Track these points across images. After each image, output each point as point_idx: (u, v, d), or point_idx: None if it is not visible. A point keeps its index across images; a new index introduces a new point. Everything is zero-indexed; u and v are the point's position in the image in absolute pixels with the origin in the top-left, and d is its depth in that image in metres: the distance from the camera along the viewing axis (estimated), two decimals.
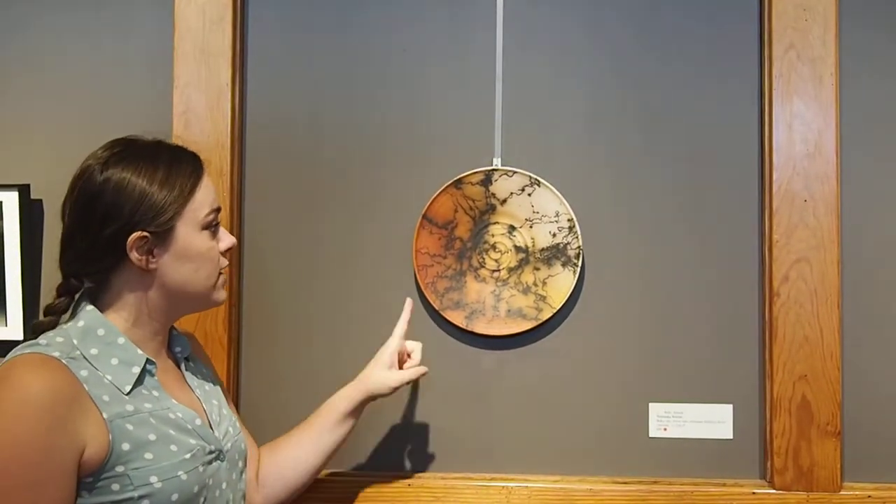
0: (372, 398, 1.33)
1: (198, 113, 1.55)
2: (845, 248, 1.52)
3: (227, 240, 1.15)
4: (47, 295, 1.58)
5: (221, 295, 1.15)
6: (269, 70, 1.60)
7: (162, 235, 1.05)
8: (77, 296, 1.09)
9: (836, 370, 1.49)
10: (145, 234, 1.04)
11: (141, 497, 0.96)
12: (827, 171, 1.51)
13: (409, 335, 1.57)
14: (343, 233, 1.59)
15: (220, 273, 1.14)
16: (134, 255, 1.05)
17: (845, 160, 1.53)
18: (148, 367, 1.06)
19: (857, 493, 1.49)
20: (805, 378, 1.49)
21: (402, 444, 1.57)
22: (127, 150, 1.08)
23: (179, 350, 1.18)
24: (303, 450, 1.30)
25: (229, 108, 1.55)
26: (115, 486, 0.95)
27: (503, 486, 1.52)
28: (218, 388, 1.23)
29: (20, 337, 1.57)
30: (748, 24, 1.56)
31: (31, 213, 1.58)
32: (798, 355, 1.49)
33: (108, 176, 1.05)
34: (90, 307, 1.06)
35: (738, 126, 1.56)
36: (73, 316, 1.07)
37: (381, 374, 1.33)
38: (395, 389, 1.33)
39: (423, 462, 1.56)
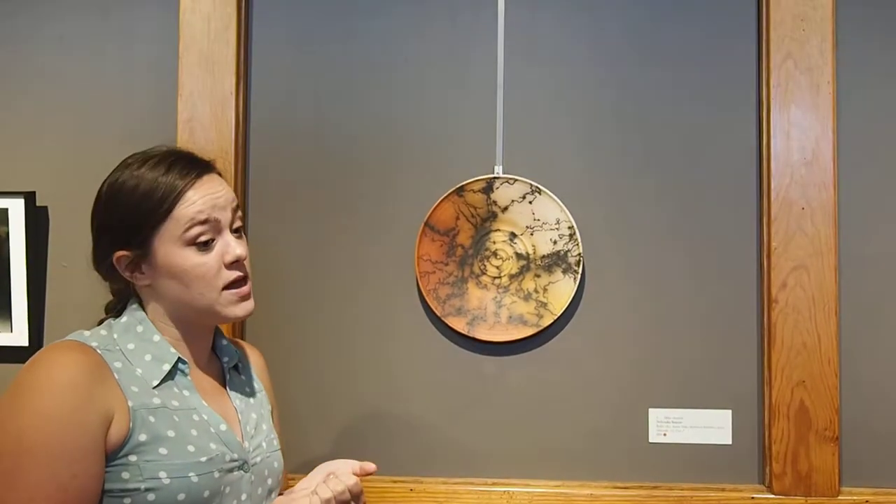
0: None
1: (202, 121, 1.56)
2: (843, 255, 1.54)
3: (231, 252, 1.06)
4: (52, 301, 1.60)
5: (235, 310, 1.07)
6: (273, 79, 1.62)
7: (143, 253, 1.04)
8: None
9: (833, 376, 1.51)
10: (125, 252, 1.05)
11: (147, 490, 0.97)
12: (824, 179, 1.52)
13: (411, 341, 1.58)
14: (346, 240, 1.60)
15: (227, 287, 1.06)
16: (124, 272, 1.06)
17: (842, 168, 1.54)
18: (180, 365, 1.07)
19: (854, 498, 1.51)
20: (803, 384, 1.51)
21: (404, 449, 1.58)
22: (129, 165, 1.07)
23: (227, 360, 1.18)
24: None
25: (233, 117, 1.57)
26: (125, 475, 0.96)
27: (504, 491, 1.54)
28: (263, 405, 1.21)
29: (25, 343, 1.59)
30: (746, 33, 1.58)
31: (36, 219, 1.59)
32: (796, 361, 1.51)
33: (102, 190, 1.07)
34: (135, 305, 1.09)
35: (737, 134, 1.57)
36: (122, 312, 1.10)
37: None
38: None
39: (425, 467, 1.57)
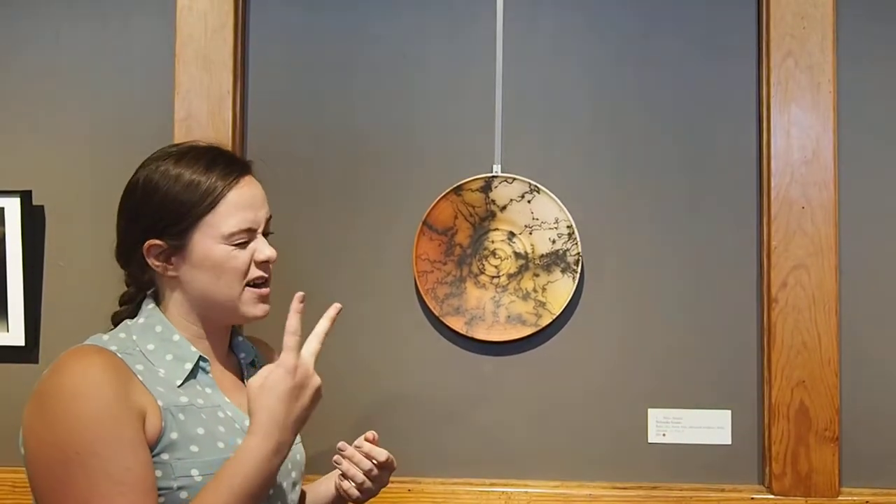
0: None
1: (199, 120, 1.56)
2: (843, 254, 1.53)
3: (263, 252, 1.08)
4: (49, 301, 1.60)
5: (254, 309, 1.09)
6: (270, 77, 1.61)
7: (178, 244, 1.05)
8: (146, 293, 1.12)
9: (833, 376, 1.50)
10: (159, 242, 1.05)
11: (179, 488, 0.97)
12: (825, 178, 1.52)
13: (409, 340, 1.58)
14: (344, 239, 1.59)
15: (249, 286, 1.07)
16: (152, 262, 1.06)
17: (843, 167, 1.54)
18: (201, 364, 1.07)
19: (854, 498, 1.50)
20: (803, 384, 1.50)
21: (402, 449, 1.56)
22: (168, 156, 1.08)
23: (244, 356, 1.18)
24: None
25: (230, 116, 1.56)
26: (158, 473, 0.96)
27: (503, 492, 1.53)
28: None
29: (22, 342, 1.58)
30: (746, 31, 1.57)
31: (32, 219, 1.59)
32: (796, 361, 1.50)
33: (138, 178, 1.07)
34: (151, 305, 1.09)
35: (737, 133, 1.57)
36: (137, 313, 1.09)
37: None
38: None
39: (423, 467, 1.57)
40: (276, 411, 0.96)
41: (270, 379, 0.97)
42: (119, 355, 1.00)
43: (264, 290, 1.10)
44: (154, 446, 0.97)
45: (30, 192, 1.58)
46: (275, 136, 1.60)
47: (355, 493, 1.14)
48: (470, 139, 1.58)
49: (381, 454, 1.14)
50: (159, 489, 0.96)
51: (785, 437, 1.50)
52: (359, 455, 1.13)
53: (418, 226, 1.55)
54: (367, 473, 1.13)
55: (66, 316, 1.59)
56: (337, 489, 1.19)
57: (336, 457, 1.13)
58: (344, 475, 1.14)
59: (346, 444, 1.14)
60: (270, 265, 1.10)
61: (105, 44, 1.62)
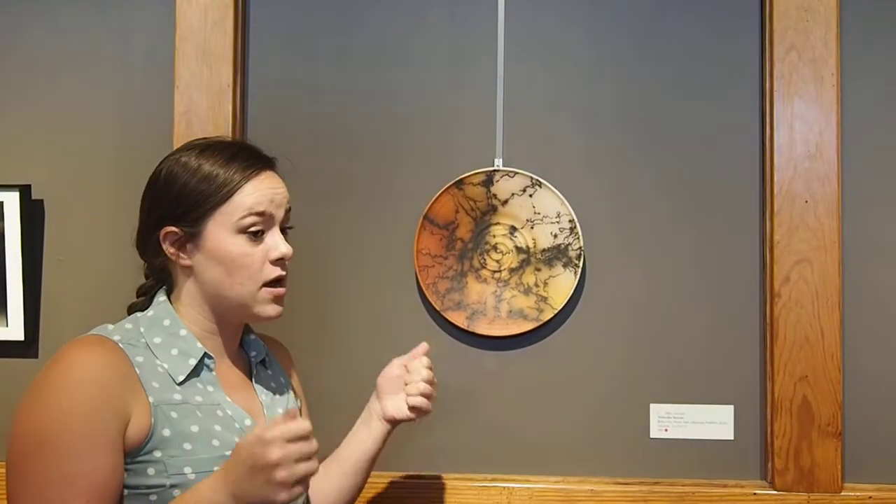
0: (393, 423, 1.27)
1: (199, 114, 1.55)
2: (846, 248, 1.52)
3: (278, 248, 1.08)
4: (48, 295, 1.59)
5: (267, 309, 1.09)
6: (271, 71, 1.60)
7: (193, 233, 1.05)
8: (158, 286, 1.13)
9: (836, 371, 1.49)
10: (175, 229, 1.05)
11: (172, 486, 0.97)
12: (828, 172, 1.51)
13: (410, 335, 1.57)
14: (344, 234, 1.59)
15: (265, 285, 1.07)
16: (167, 248, 1.07)
17: (846, 161, 1.53)
18: (206, 361, 1.07)
19: (857, 494, 1.50)
20: (806, 379, 1.50)
21: (403, 445, 1.57)
22: (192, 148, 1.09)
23: (254, 354, 1.19)
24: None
25: (230, 109, 1.55)
26: (151, 471, 0.96)
27: (504, 487, 1.53)
28: (289, 399, 1.22)
29: (21, 337, 1.57)
30: (749, 25, 1.56)
31: (32, 213, 1.58)
32: (799, 356, 1.50)
33: (161, 168, 1.09)
34: (163, 298, 1.09)
35: (740, 127, 1.56)
36: (149, 305, 1.10)
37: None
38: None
39: (424, 463, 1.56)
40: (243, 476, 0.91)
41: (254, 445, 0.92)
42: (121, 345, 1.00)
43: (280, 290, 1.10)
44: (143, 444, 0.97)
45: (29, 186, 1.57)
46: (275, 130, 1.59)
47: (426, 403, 1.21)
48: (471, 133, 1.57)
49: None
50: (153, 487, 0.96)
51: (788, 432, 1.49)
52: (425, 372, 1.23)
53: (419, 220, 1.54)
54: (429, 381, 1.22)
55: (66, 310, 1.59)
56: (385, 420, 1.26)
57: (408, 385, 1.22)
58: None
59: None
60: (286, 262, 1.10)
61: (104, 37, 1.61)
